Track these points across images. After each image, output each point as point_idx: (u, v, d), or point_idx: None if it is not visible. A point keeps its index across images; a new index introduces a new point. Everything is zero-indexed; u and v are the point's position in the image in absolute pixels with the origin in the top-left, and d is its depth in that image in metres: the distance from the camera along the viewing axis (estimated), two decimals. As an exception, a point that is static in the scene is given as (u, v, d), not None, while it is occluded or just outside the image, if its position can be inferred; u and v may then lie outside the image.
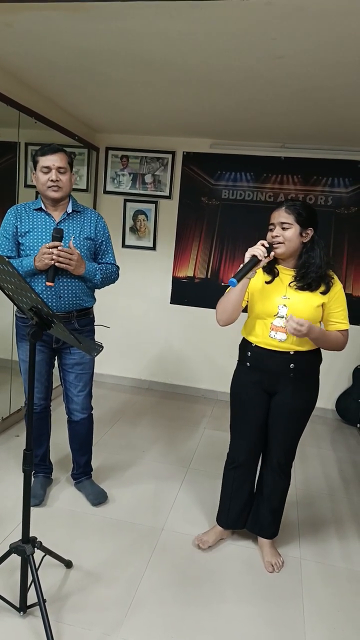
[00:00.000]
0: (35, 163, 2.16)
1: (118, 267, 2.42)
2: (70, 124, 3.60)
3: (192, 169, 4.05)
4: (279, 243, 1.89)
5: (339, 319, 1.97)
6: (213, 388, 4.30)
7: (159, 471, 2.90)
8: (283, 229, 1.89)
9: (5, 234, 2.21)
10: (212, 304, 2.03)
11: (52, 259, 2.05)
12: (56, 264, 2.07)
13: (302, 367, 1.99)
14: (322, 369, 4.32)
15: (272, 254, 1.87)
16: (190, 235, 4.15)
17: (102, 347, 1.73)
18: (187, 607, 1.87)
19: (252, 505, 2.24)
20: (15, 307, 2.27)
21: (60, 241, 2.08)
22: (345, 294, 4.17)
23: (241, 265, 1.81)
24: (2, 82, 2.79)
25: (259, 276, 2.00)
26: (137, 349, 4.42)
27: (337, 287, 1.96)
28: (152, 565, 2.08)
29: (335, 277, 1.98)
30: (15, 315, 2.31)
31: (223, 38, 2.08)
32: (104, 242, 2.35)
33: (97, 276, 2.26)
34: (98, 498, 2.49)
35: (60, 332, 1.63)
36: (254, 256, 1.81)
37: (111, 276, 2.36)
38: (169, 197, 4.12)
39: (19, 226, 2.19)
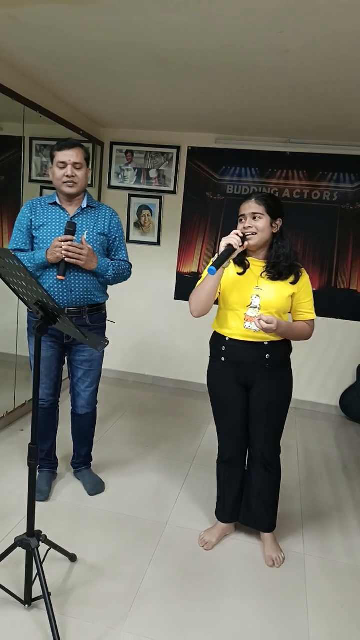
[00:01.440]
0: (52, 157, 2.18)
1: (131, 264, 2.43)
2: (75, 118, 3.59)
3: (197, 164, 4.04)
4: (252, 233, 1.94)
5: (306, 309, 2.03)
6: (217, 384, 4.29)
7: (163, 466, 2.91)
8: (254, 219, 1.94)
9: (20, 227, 2.23)
10: (215, 301, 2.05)
11: (63, 253, 2.05)
12: (66, 258, 2.08)
13: (277, 358, 2.03)
14: (326, 366, 4.31)
15: (246, 243, 1.91)
16: (195, 231, 4.14)
17: (108, 342, 1.73)
18: (190, 602, 1.87)
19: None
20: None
21: (73, 235, 2.08)
22: (350, 290, 4.17)
23: (217, 255, 1.86)
24: (7, 76, 2.78)
25: (230, 269, 2.04)
26: (141, 344, 4.42)
27: (305, 278, 2.02)
28: (156, 559, 2.09)
29: (303, 268, 2.03)
30: (28, 310, 2.32)
31: (228, 32, 2.07)
32: (117, 239, 2.35)
33: (110, 272, 2.26)
34: (95, 488, 2.52)
35: (66, 327, 1.63)
36: (229, 245, 1.85)
37: (123, 273, 2.36)
38: (173, 192, 4.11)
39: (33, 220, 2.21)
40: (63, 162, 2.13)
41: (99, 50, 2.42)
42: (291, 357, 2.13)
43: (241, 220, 1.98)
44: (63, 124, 3.42)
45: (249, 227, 1.94)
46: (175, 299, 4.27)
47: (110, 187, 4.22)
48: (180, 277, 4.23)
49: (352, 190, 3.81)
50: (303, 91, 2.71)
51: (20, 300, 1.69)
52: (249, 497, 2.21)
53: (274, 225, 1.97)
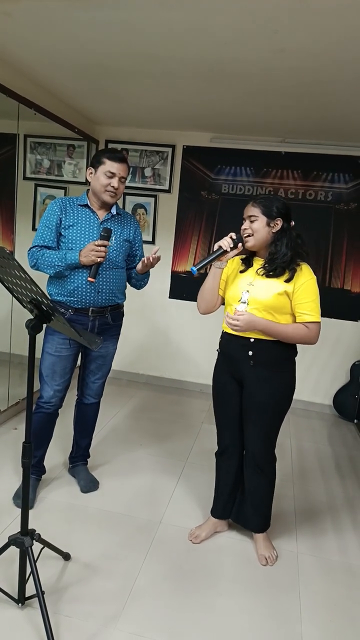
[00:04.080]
0: (99, 163, 2.22)
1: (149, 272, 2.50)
2: (69, 116, 3.58)
3: (192, 163, 4.04)
4: (248, 235, 2.00)
5: (305, 309, 1.93)
6: (211, 383, 4.29)
7: (157, 465, 2.91)
8: (251, 221, 1.99)
9: (49, 224, 2.26)
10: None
11: (99, 257, 2.12)
12: (143, 265, 2.25)
13: (263, 357, 1.98)
14: (320, 365, 4.32)
15: (240, 245, 1.99)
16: (190, 230, 4.14)
17: (102, 340, 1.73)
18: (184, 600, 1.88)
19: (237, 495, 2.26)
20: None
21: (108, 240, 2.16)
22: (344, 290, 4.18)
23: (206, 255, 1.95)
24: (1, 72, 2.76)
25: (235, 266, 2.11)
26: (135, 343, 4.41)
27: (306, 278, 1.95)
28: (150, 558, 2.09)
29: (305, 268, 1.98)
30: None
31: (224, 30, 2.07)
32: (140, 247, 2.47)
33: (147, 279, 2.47)
34: (88, 486, 2.54)
35: (61, 325, 1.62)
36: (220, 247, 1.96)
37: (146, 283, 2.51)
38: (168, 191, 4.10)
39: (63, 218, 2.26)
40: (112, 173, 2.20)
41: (95, 48, 2.41)
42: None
43: (243, 222, 2.05)
44: (58, 122, 3.40)
45: (246, 229, 2.01)
46: (170, 297, 4.27)
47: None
48: (174, 276, 4.23)
49: (346, 191, 3.83)
50: (298, 90, 2.71)
51: (14, 299, 1.69)
52: (241, 496, 2.23)
53: (271, 224, 1.97)
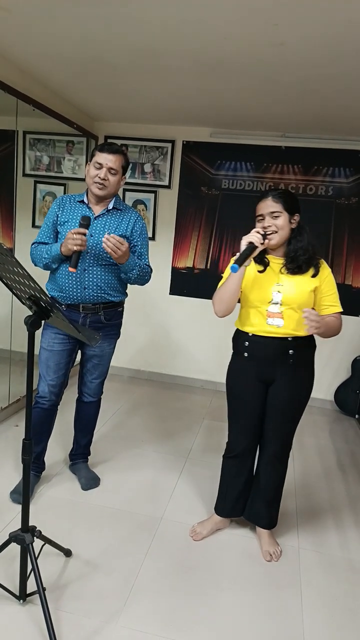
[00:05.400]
0: (92, 155, 2.22)
1: (152, 269, 2.42)
2: (68, 112, 3.56)
3: (191, 159, 4.02)
4: (273, 232, 1.92)
5: (331, 302, 2.01)
6: (212, 379, 4.30)
7: (158, 461, 2.91)
8: (273, 218, 1.93)
9: (47, 221, 2.29)
10: (211, 295, 2.04)
11: (77, 245, 2.05)
12: (103, 245, 2.08)
13: (301, 354, 2.01)
14: (321, 361, 4.33)
15: (266, 241, 1.90)
16: (190, 226, 4.12)
17: (101, 336, 1.72)
18: (185, 596, 1.88)
19: (248, 493, 2.25)
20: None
21: (87, 228, 2.10)
22: (345, 285, 4.18)
23: (238, 253, 1.84)
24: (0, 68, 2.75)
25: (250, 267, 2.02)
26: (136, 339, 4.41)
27: (327, 271, 2.01)
28: (151, 554, 2.09)
29: (323, 261, 2.02)
30: None
31: (223, 24, 2.05)
32: (139, 244, 2.35)
33: (135, 271, 2.26)
34: (89, 483, 2.53)
35: (59, 321, 1.62)
36: (250, 243, 1.84)
37: (145, 277, 2.36)
38: (168, 186, 4.09)
39: (60, 215, 2.25)
40: (100, 164, 2.15)
41: (93, 43, 2.40)
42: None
43: (259, 219, 1.96)
44: (57, 118, 3.39)
45: (269, 225, 1.92)
46: (170, 294, 4.26)
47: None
48: (175, 272, 4.21)
49: (347, 185, 3.81)
50: (298, 84, 2.70)
51: (13, 295, 1.68)
52: (254, 493, 2.21)
53: (292, 221, 1.95)
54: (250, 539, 2.26)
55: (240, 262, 1.79)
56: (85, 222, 2.09)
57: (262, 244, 1.85)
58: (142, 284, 2.40)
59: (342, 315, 4.08)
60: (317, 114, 3.22)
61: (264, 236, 1.88)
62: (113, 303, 2.37)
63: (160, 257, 4.22)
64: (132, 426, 3.38)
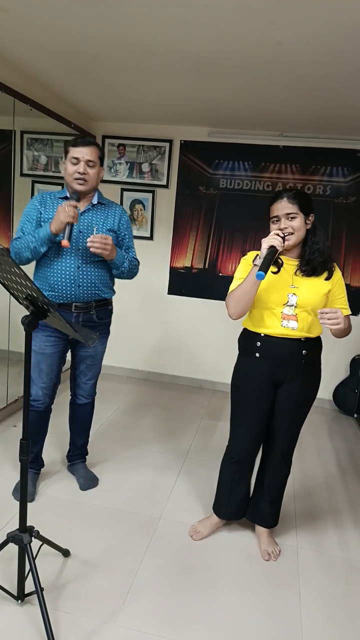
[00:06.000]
0: (65, 152, 2.17)
1: (139, 262, 2.43)
2: (66, 111, 3.56)
3: (189, 158, 4.02)
4: (290, 234, 1.89)
5: (342, 304, 2.00)
6: (210, 378, 4.30)
7: (157, 461, 2.91)
8: (290, 219, 1.89)
9: (29, 218, 2.21)
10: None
11: (69, 217, 1.99)
12: (91, 249, 2.07)
13: (312, 354, 2.01)
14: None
15: (286, 243, 1.87)
16: (188, 225, 4.12)
17: (98, 336, 1.72)
18: (184, 596, 1.88)
19: (250, 496, 2.24)
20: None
21: (78, 202, 2.07)
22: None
23: (261, 258, 1.79)
24: (-3, 68, 2.74)
25: None
26: (134, 339, 4.41)
27: (339, 274, 2.01)
28: (150, 554, 2.09)
29: (335, 264, 2.02)
30: None
31: (220, 24, 2.05)
32: (126, 237, 2.36)
33: (125, 264, 2.28)
34: (87, 483, 2.53)
35: (57, 321, 1.61)
36: (272, 247, 1.79)
37: (134, 269, 2.37)
38: (166, 186, 4.09)
39: (43, 212, 2.20)
40: (76, 158, 2.12)
41: (91, 43, 2.39)
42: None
43: (274, 221, 1.93)
44: (54, 117, 3.38)
45: (285, 227, 1.89)
46: (168, 293, 4.26)
47: (102, 181, 4.16)
48: (173, 271, 4.21)
49: (345, 184, 3.81)
50: (296, 84, 2.70)
51: (11, 296, 1.68)
52: (258, 494, 2.20)
53: (307, 222, 1.93)
54: (249, 538, 2.26)
55: (265, 268, 1.74)
56: (76, 196, 2.08)
57: (282, 246, 1.83)
58: (131, 278, 2.39)
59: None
60: (315, 113, 3.22)
61: (283, 238, 1.85)
62: (104, 301, 2.36)
63: (159, 256, 4.22)
64: (130, 426, 3.38)
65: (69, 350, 2.41)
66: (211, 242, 4.09)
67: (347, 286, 3.85)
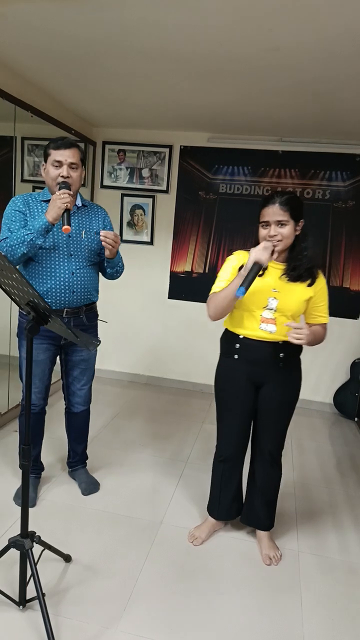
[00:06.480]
0: (46, 155, 2.12)
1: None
2: (66, 117, 3.58)
3: (189, 163, 4.04)
4: (279, 241, 1.88)
5: (321, 312, 2.03)
6: (211, 382, 4.26)
7: (157, 465, 2.91)
8: (280, 226, 1.88)
9: (14, 218, 2.12)
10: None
11: (66, 202, 1.96)
12: (103, 243, 2.09)
13: (290, 357, 2.02)
14: (320, 363, 4.33)
15: (275, 255, 1.86)
16: (188, 230, 4.14)
17: (100, 341, 1.73)
18: (185, 600, 1.88)
19: (242, 496, 2.26)
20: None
21: (68, 189, 2.03)
22: (343, 288, 4.19)
23: (246, 270, 1.78)
24: (-2, 75, 2.77)
25: None
26: (134, 343, 4.42)
27: (323, 282, 2.01)
28: (151, 558, 2.09)
29: (320, 272, 2.02)
30: (21, 313, 2.28)
31: (219, 29, 2.07)
32: None
33: (120, 263, 2.33)
34: (89, 488, 2.53)
35: (58, 326, 1.62)
36: (257, 263, 1.77)
37: (122, 267, 2.41)
38: (166, 191, 4.10)
39: (28, 214, 2.14)
40: (59, 162, 2.08)
41: (90, 49, 2.41)
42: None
43: (263, 226, 1.91)
44: (55, 124, 3.40)
45: (275, 235, 1.87)
46: (169, 298, 4.27)
47: (102, 186, 4.21)
48: (173, 276, 4.22)
49: (344, 188, 3.82)
50: (294, 89, 2.71)
51: (12, 302, 1.69)
52: (252, 496, 2.21)
53: (297, 228, 1.92)
54: (250, 542, 2.26)
55: (248, 285, 1.74)
56: (65, 185, 2.05)
57: (269, 260, 1.80)
58: (118, 277, 2.43)
59: (341, 319, 4.09)
60: (314, 118, 3.24)
61: (273, 251, 1.83)
62: (92, 304, 2.36)
63: (159, 261, 4.23)
64: (131, 430, 3.38)
65: (61, 356, 2.41)
66: (211, 246, 4.11)
67: (346, 290, 3.91)
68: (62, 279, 2.18)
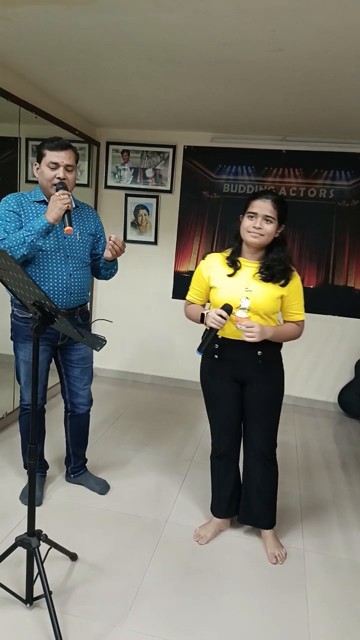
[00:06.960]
0: (40, 155, 2.10)
1: None
2: (70, 118, 3.59)
3: (193, 163, 4.04)
4: (260, 235, 1.93)
5: (296, 310, 2.06)
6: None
7: (162, 465, 2.92)
8: (267, 222, 1.93)
9: (9, 219, 2.09)
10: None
11: (66, 203, 1.98)
12: (111, 252, 2.15)
13: (269, 355, 2.05)
14: (324, 363, 4.33)
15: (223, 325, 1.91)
16: (192, 230, 4.14)
17: (105, 341, 1.73)
18: (191, 599, 1.88)
19: (239, 493, 2.27)
20: (12, 309, 2.28)
21: (65, 189, 2.05)
22: (347, 287, 4.19)
23: (203, 337, 1.96)
24: (2, 76, 2.78)
25: (221, 269, 2.04)
26: (139, 343, 4.43)
27: (297, 281, 2.04)
28: (156, 557, 2.10)
29: (295, 271, 2.05)
30: (15, 316, 2.27)
31: (222, 30, 2.07)
32: (102, 237, 2.39)
33: (116, 265, 2.38)
34: (106, 487, 2.55)
35: (64, 326, 1.63)
36: (211, 329, 1.91)
37: (117, 269, 2.43)
38: (170, 191, 4.11)
39: (22, 214, 2.12)
40: (55, 163, 2.07)
41: (94, 50, 2.42)
42: (289, 354, 2.14)
43: (250, 216, 1.94)
44: (59, 125, 3.42)
45: (259, 228, 1.92)
46: (173, 297, 4.27)
47: (106, 187, 4.22)
48: (178, 276, 4.23)
49: (348, 188, 3.82)
50: (298, 89, 2.72)
51: (12, 304, 1.70)
52: (248, 495, 2.22)
53: (277, 231, 1.97)
54: (254, 541, 2.26)
55: (203, 349, 1.93)
56: (63, 185, 2.06)
57: (225, 318, 1.87)
58: (111, 278, 2.47)
59: (345, 318, 4.10)
60: (317, 117, 3.24)
61: (229, 311, 1.88)
62: (85, 304, 2.38)
63: (163, 261, 4.24)
64: (135, 430, 3.39)
65: (57, 358, 2.40)
66: (215, 246, 4.11)
67: (351, 289, 3.91)
68: (60, 281, 2.18)
